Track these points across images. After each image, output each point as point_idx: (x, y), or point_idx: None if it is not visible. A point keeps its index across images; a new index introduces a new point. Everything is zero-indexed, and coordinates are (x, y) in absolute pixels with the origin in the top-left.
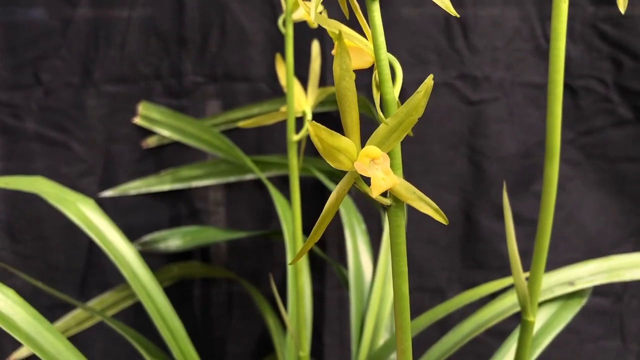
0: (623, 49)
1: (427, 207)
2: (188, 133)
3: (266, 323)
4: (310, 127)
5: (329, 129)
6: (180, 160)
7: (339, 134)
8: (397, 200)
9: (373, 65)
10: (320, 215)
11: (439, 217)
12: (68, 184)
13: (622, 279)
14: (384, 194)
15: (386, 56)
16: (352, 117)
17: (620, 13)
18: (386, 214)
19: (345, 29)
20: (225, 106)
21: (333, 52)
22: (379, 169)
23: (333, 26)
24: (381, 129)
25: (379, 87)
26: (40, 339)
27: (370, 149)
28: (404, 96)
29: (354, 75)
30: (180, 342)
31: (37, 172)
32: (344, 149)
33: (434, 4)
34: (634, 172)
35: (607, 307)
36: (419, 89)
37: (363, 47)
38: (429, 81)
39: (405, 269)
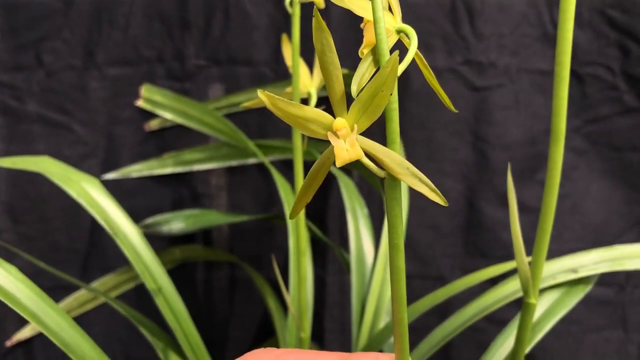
0: (631, 35)
1: (420, 184)
2: (191, 116)
3: (267, 306)
4: (264, 97)
5: (287, 100)
6: (183, 143)
7: (301, 105)
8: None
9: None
10: (305, 179)
11: (435, 197)
12: (70, 166)
13: (625, 268)
14: (380, 167)
15: (384, 30)
16: (335, 90)
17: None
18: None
19: (363, 2)
20: (228, 89)
21: (362, 25)
22: (346, 140)
23: (351, 2)
24: (354, 104)
25: (377, 63)
26: (44, 317)
27: (336, 121)
28: (408, 82)
29: (334, 49)
30: (183, 323)
31: (39, 154)
32: (312, 118)
33: None
34: (638, 161)
35: (610, 298)
36: (385, 64)
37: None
38: (395, 56)
39: (400, 241)
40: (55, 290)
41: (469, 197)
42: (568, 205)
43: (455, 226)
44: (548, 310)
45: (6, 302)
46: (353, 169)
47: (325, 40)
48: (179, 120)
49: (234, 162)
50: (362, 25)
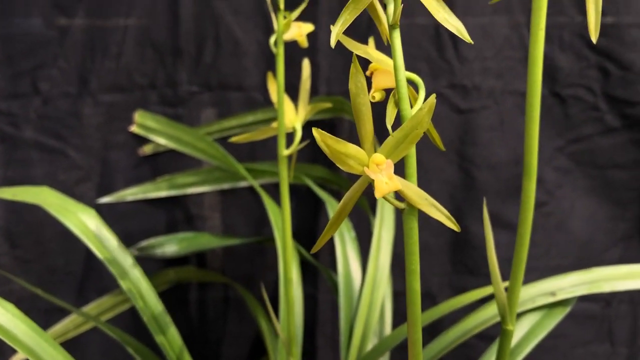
0: (610, 57)
1: (438, 213)
2: (183, 141)
3: (259, 327)
4: (317, 134)
5: (335, 137)
6: (176, 167)
7: (345, 141)
8: (410, 205)
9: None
10: (335, 213)
11: (450, 224)
12: (66, 190)
13: (602, 291)
14: (400, 200)
15: (404, 77)
16: (366, 129)
17: (606, 22)
18: (375, 219)
19: (374, 52)
20: (219, 114)
21: (367, 73)
22: (384, 174)
23: (362, 50)
24: (389, 140)
25: (397, 104)
26: (39, 350)
27: (376, 156)
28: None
29: (367, 92)
30: (176, 348)
31: (36, 179)
32: (352, 155)
33: (425, 14)
34: (621, 179)
35: (596, 312)
36: (422, 106)
37: (391, 69)
38: (432, 100)
39: (417, 267)
40: (52, 313)
41: (456, 216)
42: (554, 223)
43: (443, 245)
44: (529, 332)
45: (4, 339)
46: (344, 191)
47: (360, 83)
48: (172, 145)
49: (226, 185)
50: (367, 73)
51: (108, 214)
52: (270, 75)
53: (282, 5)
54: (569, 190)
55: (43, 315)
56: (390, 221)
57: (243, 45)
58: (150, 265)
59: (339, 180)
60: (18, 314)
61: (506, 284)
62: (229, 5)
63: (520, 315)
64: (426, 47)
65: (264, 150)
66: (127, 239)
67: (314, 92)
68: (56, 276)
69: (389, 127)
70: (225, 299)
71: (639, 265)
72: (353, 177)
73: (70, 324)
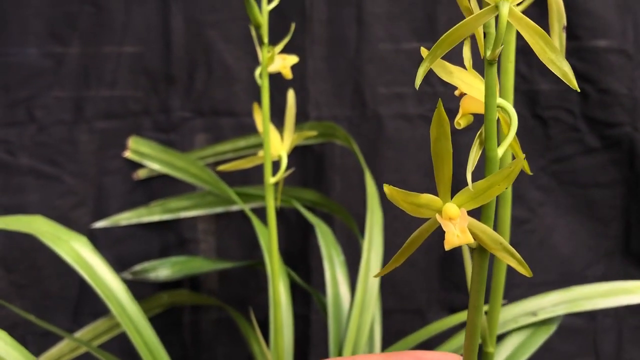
0: (588, 81)
1: (510, 258)
2: (176, 166)
3: (251, 349)
4: (387, 190)
5: (404, 191)
6: (170, 192)
7: (416, 194)
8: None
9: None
10: (401, 249)
11: (523, 270)
12: (61, 216)
13: (583, 309)
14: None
15: (495, 116)
16: (444, 173)
17: (584, 47)
18: (364, 241)
19: (466, 76)
20: (212, 140)
21: (457, 93)
22: (456, 226)
23: (456, 77)
24: (467, 191)
25: (482, 144)
26: None
27: (450, 208)
28: (382, 128)
29: (449, 137)
30: None
31: (32, 205)
32: (424, 204)
33: (409, 40)
34: (602, 197)
35: (581, 326)
36: (511, 164)
37: (482, 97)
38: (521, 160)
39: (481, 303)
40: (49, 336)
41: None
42: (537, 240)
43: (431, 261)
44: (513, 353)
45: None
46: (335, 214)
47: (443, 129)
48: (165, 170)
49: (218, 209)
50: (456, 93)
51: (103, 239)
52: (256, 106)
53: (265, 39)
54: (552, 208)
55: (39, 339)
56: (379, 243)
57: (234, 71)
58: (144, 288)
59: (330, 204)
60: (10, 341)
61: (486, 307)
62: (220, 34)
63: (504, 335)
64: (411, 72)
65: (257, 174)
66: (121, 263)
67: (305, 118)
68: (51, 300)
69: (468, 175)
70: (219, 321)
71: (619, 283)
72: (344, 202)
73: (65, 347)
